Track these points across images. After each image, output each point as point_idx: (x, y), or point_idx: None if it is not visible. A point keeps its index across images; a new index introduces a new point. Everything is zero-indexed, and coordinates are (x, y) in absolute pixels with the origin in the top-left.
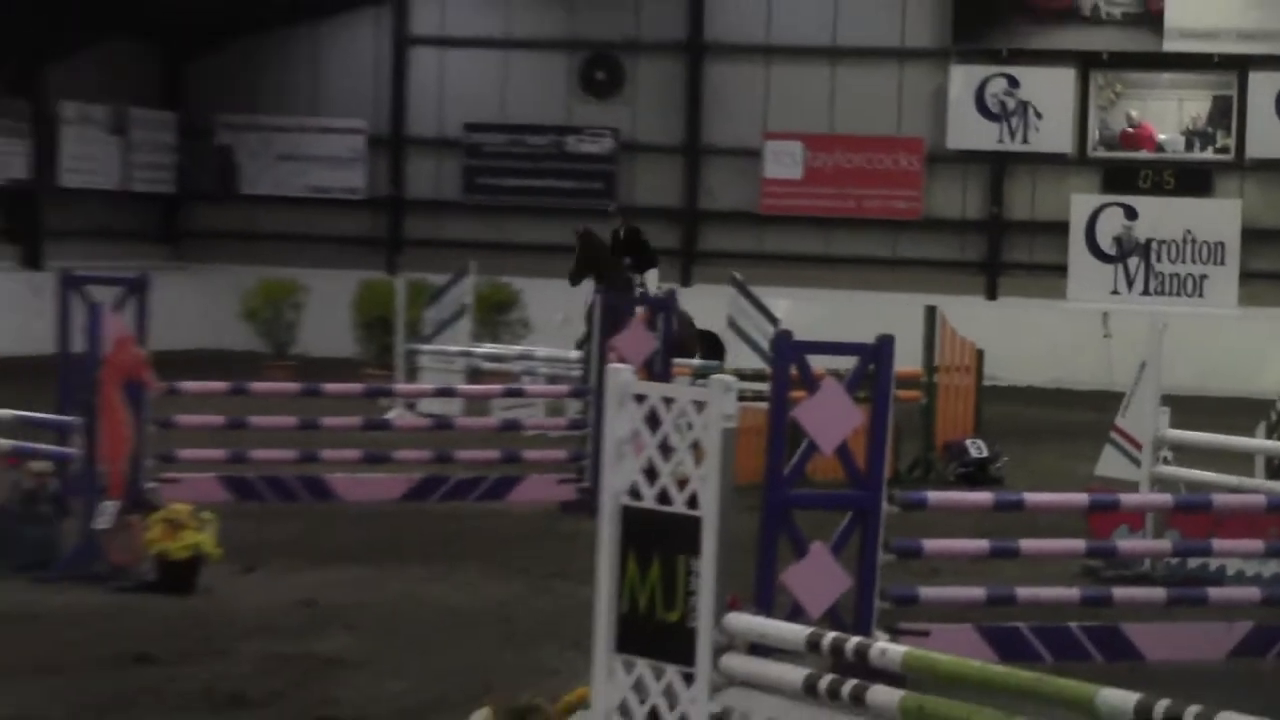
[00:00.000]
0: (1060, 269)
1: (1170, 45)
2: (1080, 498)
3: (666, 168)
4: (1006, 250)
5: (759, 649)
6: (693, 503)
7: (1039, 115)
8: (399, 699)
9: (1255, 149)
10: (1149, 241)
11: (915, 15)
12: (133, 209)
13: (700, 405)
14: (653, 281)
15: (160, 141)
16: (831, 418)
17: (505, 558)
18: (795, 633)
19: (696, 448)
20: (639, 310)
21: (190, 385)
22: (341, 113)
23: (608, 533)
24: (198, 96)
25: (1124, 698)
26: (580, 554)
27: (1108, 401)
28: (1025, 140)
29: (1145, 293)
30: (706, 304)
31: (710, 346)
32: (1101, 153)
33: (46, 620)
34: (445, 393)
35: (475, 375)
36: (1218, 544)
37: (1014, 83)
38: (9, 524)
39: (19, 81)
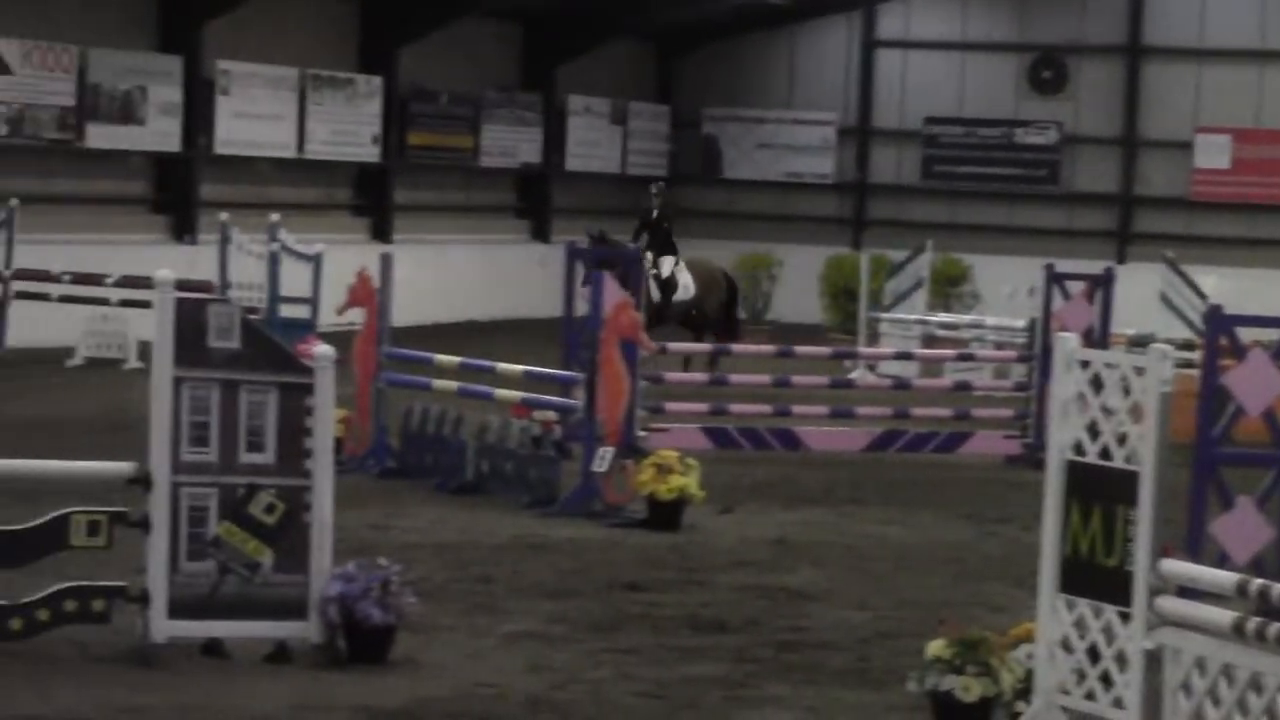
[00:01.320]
0: None
1: None
2: None
3: (1105, 157)
4: None
5: (1188, 592)
6: (1131, 459)
7: None
8: (859, 628)
9: None
10: None
11: None
12: (629, 189)
13: (1140, 371)
14: (666, 267)
15: (654, 131)
16: (1258, 384)
17: (955, 505)
18: (1225, 578)
19: (1136, 409)
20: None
21: (677, 346)
22: (814, 106)
23: (1053, 484)
24: (688, 92)
25: None
26: (1024, 503)
27: None
28: None
29: None
30: (1140, 279)
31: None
32: None
33: (551, 550)
34: (903, 356)
35: (929, 341)
36: None
37: None
38: (519, 465)
39: (535, 78)
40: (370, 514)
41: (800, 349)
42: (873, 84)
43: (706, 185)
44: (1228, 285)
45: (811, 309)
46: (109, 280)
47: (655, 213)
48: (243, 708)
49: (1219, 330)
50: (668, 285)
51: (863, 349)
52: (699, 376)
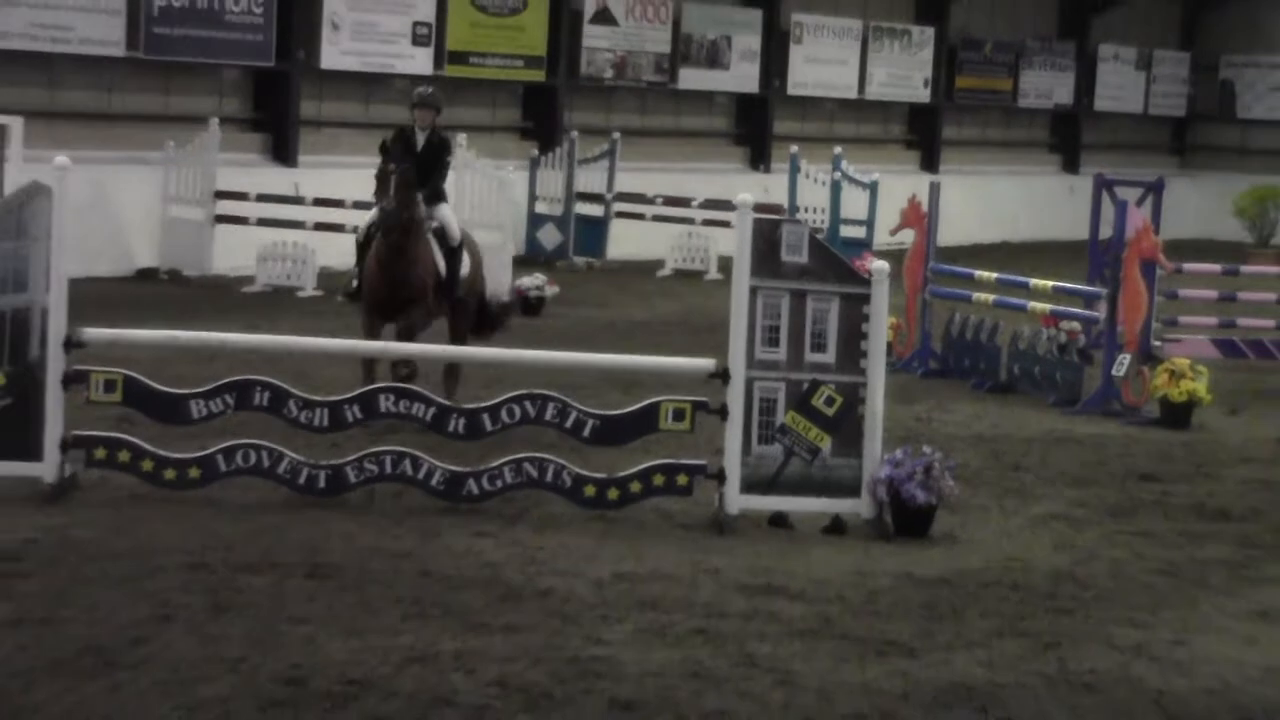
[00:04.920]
0: None
1: None
2: None
3: None
4: None
5: None
6: None
7: None
8: None
9: None
10: None
11: None
12: (1150, 128)
13: None
14: (454, 223)
15: (1175, 75)
16: None
17: None
18: None
19: None
20: None
21: (1191, 266)
22: None
23: None
24: (1208, 40)
25: None
26: None
27: None
28: None
29: None
30: None
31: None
32: None
33: (1074, 443)
34: None
35: None
36: None
37: None
38: (1046, 369)
39: (1071, 28)
40: (915, 408)
41: None
42: None
43: (1222, 123)
44: None
45: None
46: (695, 203)
47: (420, 138)
48: (804, 571)
49: None
50: (455, 254)
51: None
52: None
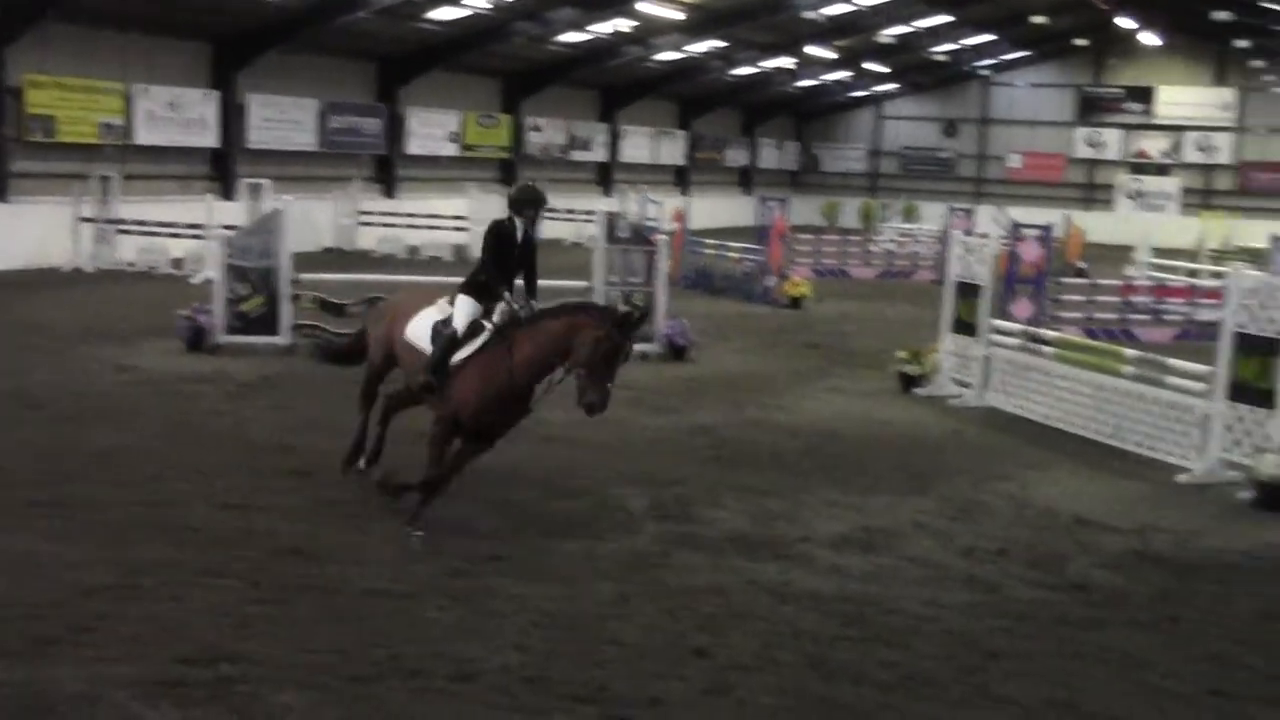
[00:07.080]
0: None
1: None
2: None
3: (971, 163)
4: None
5: (1001, 333)
6: (976, 277)
7: None
8: (869, 348)
9: None
10: None
11: None
12: (793, 179)
13: (985, 237)
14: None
15: (791, 151)
16: (1030, 252)
17: (912, 300)
18: (1016, 327)
19: (989, 255)
20: None
21: (801, 235)
22: (857, 141)
23: (949, 290)
24: (807, 135)
25: None
26: (934, 298)
27: None
28: None
29: None
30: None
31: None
32: None
33: (752, 318)
34: (890, 241)
35: (902, 234)
36: None
37: None
38: (738, 283)
39: (748, 131)
40: (677, 304)
41: (850, 236)
42: (883, 133)
43: (812, 173)
44: (1021, 212)
45: (854, 220)
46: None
47: (519, 234)
48: (660, 372)
49: (1015, 229)
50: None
51: (874, 237)
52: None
